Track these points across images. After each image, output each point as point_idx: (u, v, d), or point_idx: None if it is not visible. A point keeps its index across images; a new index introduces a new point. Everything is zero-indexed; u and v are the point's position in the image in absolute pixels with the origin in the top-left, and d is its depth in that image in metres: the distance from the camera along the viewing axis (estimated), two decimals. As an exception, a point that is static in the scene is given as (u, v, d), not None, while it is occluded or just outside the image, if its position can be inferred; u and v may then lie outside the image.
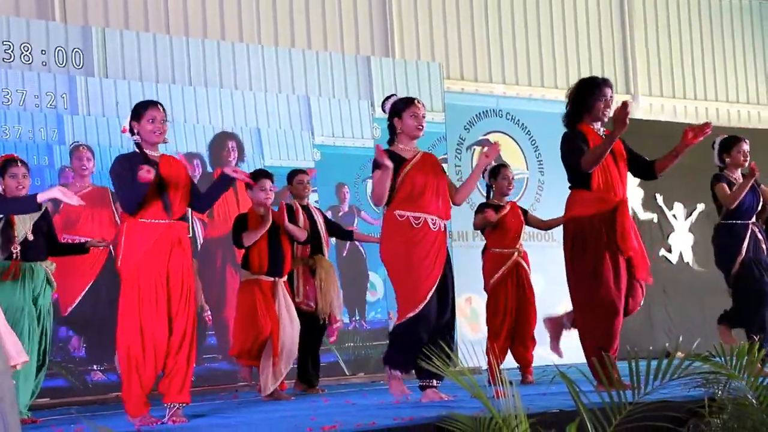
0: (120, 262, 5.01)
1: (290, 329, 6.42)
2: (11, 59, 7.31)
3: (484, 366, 6.47)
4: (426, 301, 5.06)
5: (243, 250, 6.54)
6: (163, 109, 5.07)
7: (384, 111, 5.37)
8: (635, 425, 3.57)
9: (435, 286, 5.10)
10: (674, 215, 11.30)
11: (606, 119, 5.49)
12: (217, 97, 8.15)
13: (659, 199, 11.21)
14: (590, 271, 5.31)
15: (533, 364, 6.91)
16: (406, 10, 10.09)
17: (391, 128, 5.31)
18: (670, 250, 11.23)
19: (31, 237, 5.59)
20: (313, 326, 6.87)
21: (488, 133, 10.08)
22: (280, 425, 4.42)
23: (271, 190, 6.48)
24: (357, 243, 8.42)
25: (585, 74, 11.30)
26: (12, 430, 3.11)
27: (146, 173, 4.76)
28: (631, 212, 10.76)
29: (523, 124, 10.18)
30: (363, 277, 8.72)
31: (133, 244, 4.92)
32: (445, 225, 5.25)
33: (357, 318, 8.61)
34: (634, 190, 11.11)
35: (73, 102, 7.48)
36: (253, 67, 8.42)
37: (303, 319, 6.70)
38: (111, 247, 7.04)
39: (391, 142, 5.33)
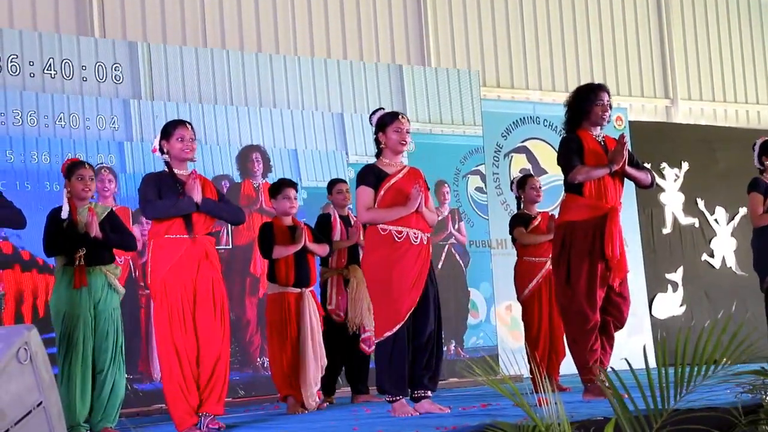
0: (149, 280, 5.12)
1: (317, 340, 6.40)
2: (54, 75, 7.42)
3: (526, 374, 6.45)
4: (404, 323, 5.05)
5: (266, 262, 6.54)
6: (191, 128, 5.17)
7: (371, 124, 5.37)
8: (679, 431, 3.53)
9: (414, 306, 5.08)
10: (716, 220, 11.20)
11: (605, 123, 5.57)
12: (257, 115, 8.25)
13: (701, 203, 11.12)
14: (566, 278, 5.44)
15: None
16: (441, 18, 10.10)
17: (377, 142, 5.31)
18: (712, 255, 11.12)
19: (100, 236, 5.53)
20: (345, 336, 6.85)
21: (526, 140, 10.05)
22: (322, 435, 4.43)
23: (295, 199, 6.48)
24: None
25: (623, 79, 11.31)
26: (59, 442, 3.15)
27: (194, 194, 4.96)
28: (671, 217, 10.89)
29: (560, 130, 10.10)
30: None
31: (159, 260, 5.02)
32: (428, 238, 5.23)
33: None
34: (674, 195, 11.03)
35: (128, 126, 7.62)
36: (290, 80, 8.48)
37: (334, 329, 6.72)
38: (131, 262, 7.31)
39: (377, 156, 5.33)
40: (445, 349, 8.55)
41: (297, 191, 6.53)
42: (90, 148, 7.43)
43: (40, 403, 3.11)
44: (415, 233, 5.14)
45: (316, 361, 6.35)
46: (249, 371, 7.86)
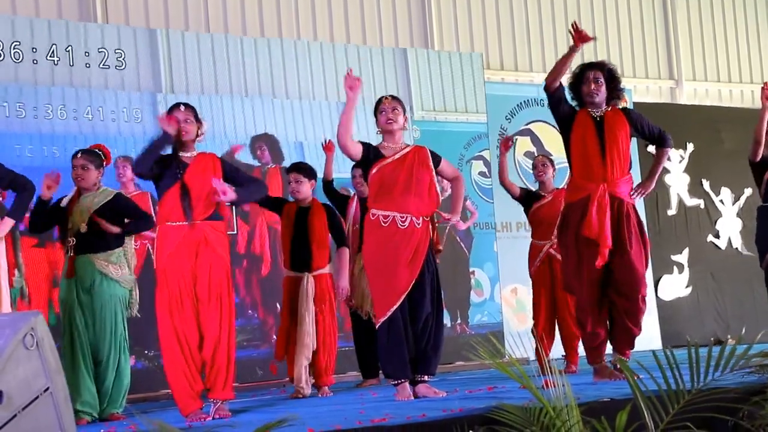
0: (155, 265, 5.22)
1: (308, 327, 6.34)
2: (57, 62, 7.39)
3: (532, 357, 6.45)
4: (397, 306, 5.06)
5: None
6: (185, 108, 5.16)
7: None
8: (688, 413, 3.53)
9: (408, 291, 5.09)
10: (721, 201, 11.17)
11: (593, 99, 5.50)
12: (269, 106, 8.28)
13: (706, 185, 11.09)
14: (565, 260, 5.56)
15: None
16: (444, 0, 10.06)
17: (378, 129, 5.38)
18: (717, 236, 11.11)
19: (84, 230, 5.59)
20: (364, 321, 6.88)
21: (530, 122, 10.02)
22: (329, 419, 4.43)
23: (297, 182, 6.48)
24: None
25: (627, 61, 11.26)
26: (65, 424, 3.16)
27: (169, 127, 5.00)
28: (676, 198, 10.86)
29: (565, 112, 10.10)
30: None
31: (161, 247, 5.07)
32: (422, 221, 5.17)
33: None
34: (679, 176, 11.00)
35: (154, 119, 7.64)
36: (301, 68, 8.46)
37: (354, 315, 6.93)
38: (148, 245, 7.33)
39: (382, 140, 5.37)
40: (450, 326, 8.62)
41: (305, 174, 6.51)
42: (125, 142, 7.49)
43: (47, 388, 3.12)
44: (402, 217, 5.13)
45: (303, 349, 6.32)
46: (266, 348, 7.92)
